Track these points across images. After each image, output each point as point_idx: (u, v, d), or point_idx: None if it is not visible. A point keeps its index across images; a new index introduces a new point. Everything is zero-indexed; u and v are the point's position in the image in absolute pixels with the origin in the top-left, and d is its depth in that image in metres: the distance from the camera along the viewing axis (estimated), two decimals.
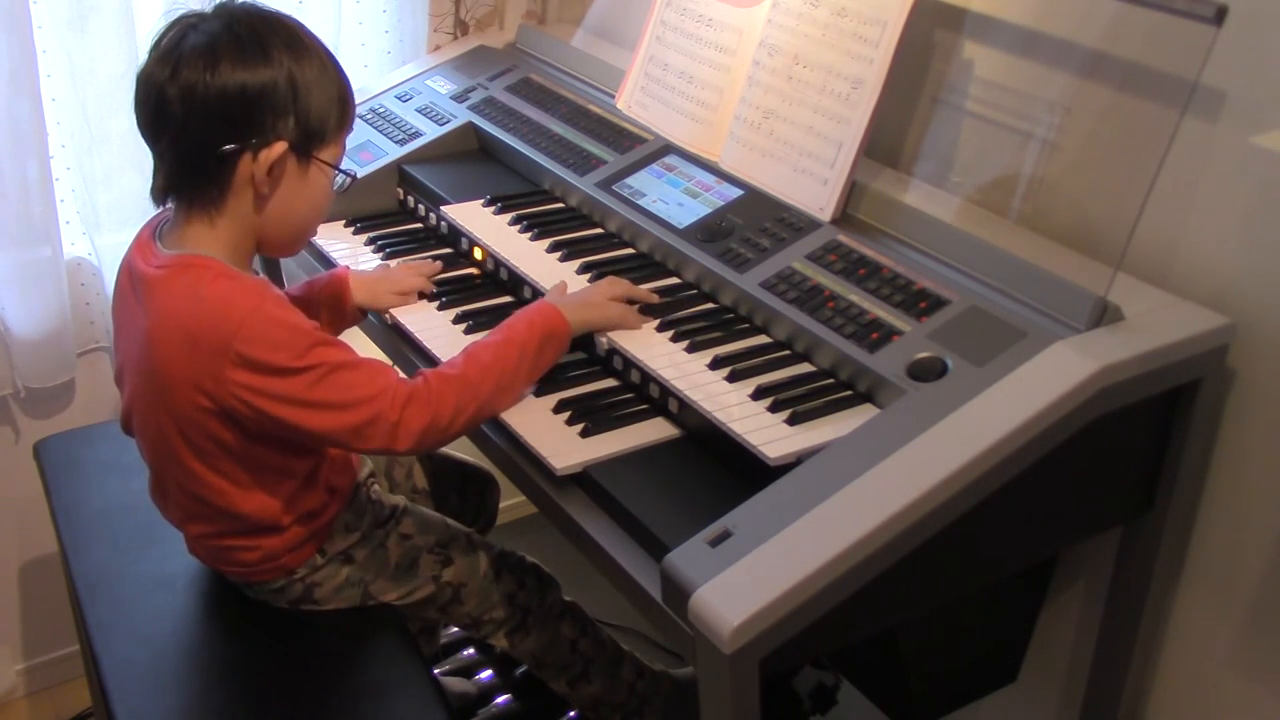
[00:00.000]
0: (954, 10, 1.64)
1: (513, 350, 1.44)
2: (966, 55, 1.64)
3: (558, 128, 1.93)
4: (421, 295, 1.70)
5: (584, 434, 1.40)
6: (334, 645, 1.54)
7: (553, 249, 1.71)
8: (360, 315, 1.71)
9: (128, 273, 1.45)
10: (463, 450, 1.84)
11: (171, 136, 1.36)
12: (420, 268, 1.74)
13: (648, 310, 1.55)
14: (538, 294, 1.64)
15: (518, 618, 1.70)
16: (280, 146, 1.37)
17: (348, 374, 1.36)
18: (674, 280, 1.65)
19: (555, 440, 1.40)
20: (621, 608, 1.59)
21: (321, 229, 1.85)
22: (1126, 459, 1.43)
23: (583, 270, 1.65)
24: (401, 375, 1.43)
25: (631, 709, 1.78)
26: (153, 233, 1.44)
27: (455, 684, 2.02)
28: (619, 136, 1.87)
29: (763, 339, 1.51)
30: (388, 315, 1.67)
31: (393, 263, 1.79)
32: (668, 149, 1.81)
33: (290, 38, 1.38)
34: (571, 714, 1.94)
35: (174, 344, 1.35)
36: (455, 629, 2.10)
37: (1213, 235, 1.42)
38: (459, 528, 1.68)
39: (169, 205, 1.43)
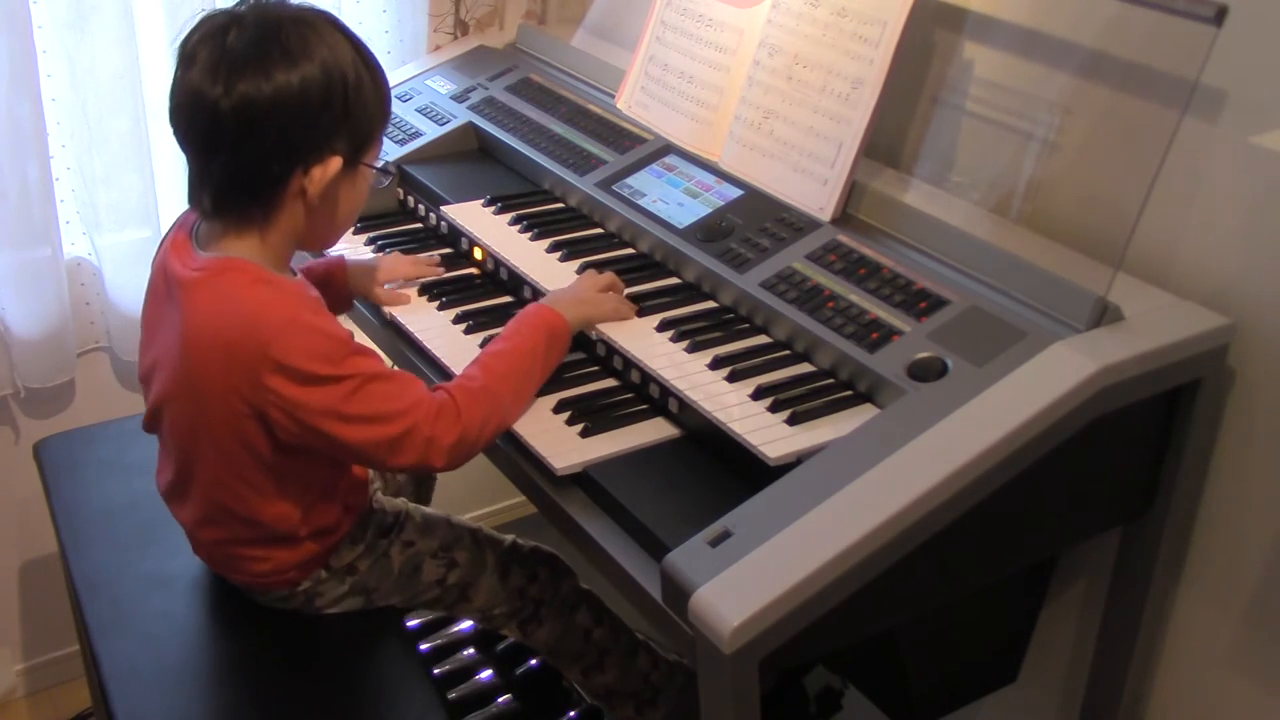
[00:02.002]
0: (954, 10, 1.64)
1: (523, 357, 1.44)
2: (966, 55, 1.64)
3: (558, 128, 1.93)
4: (422, 292, 1.70)
5: (584, 434, 1.40)
6: (334, 646, 1.54)
7: (553, 249, 1.71)
8: (350, 304, 1.71)
9: (163, 273, 1.43)
10: None
11: (225, 157, 1.33)
12: (419, 259, 1.74)
13: (647, 309, 1.56)
14: (538, 294, 1.64)
15: (530, 609, 1.69)
16: (335, 163, 1.36)
17: (382, 385, 1.35)
18: (674, 280, 1.65)
19: (555, 440, 1.40)
20: (622, 608, 1.59)
21: None
22: (1126, 459, 1.43)
23: (583, 270, 1.65)
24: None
25: (645, 699, 1.78)
26: (189, 233, 1.42)
27: None
28: (619, 136, 1.87)
29: (763, 339, 1.51)
30: (387, 313, 1.67)
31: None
32: (668, 149, 1.81)
33: (334, 40, 1.36)
34: (572, 714, 1.94)
35: (211, 349, 1.34)
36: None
37: (1213, 235, 1.42)
38: (464, 526, 1.68)
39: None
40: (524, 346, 1.45)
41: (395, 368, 1.44)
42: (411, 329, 1.63)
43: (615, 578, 1.28)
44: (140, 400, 1.52)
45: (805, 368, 1.45)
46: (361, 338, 1.71)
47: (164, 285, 1.43)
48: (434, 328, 1.63)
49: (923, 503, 1.18)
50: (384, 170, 1.49)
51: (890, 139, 1.72)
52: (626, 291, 1.59)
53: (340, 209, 1.43)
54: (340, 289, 1.68)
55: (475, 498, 2.58)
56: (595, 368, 1.55)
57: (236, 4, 1.37)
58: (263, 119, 1.31)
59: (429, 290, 1.71)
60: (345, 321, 1.78)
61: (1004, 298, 1.41)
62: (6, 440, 2.14)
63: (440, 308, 1.67)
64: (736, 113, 1.71)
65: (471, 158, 2.01)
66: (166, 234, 1.47)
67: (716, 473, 1.36)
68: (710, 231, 1.63)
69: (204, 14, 1.36)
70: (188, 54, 1.33)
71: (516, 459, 1.42)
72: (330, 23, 1.38)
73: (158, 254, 1.47)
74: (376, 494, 1.64)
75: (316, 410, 1.33)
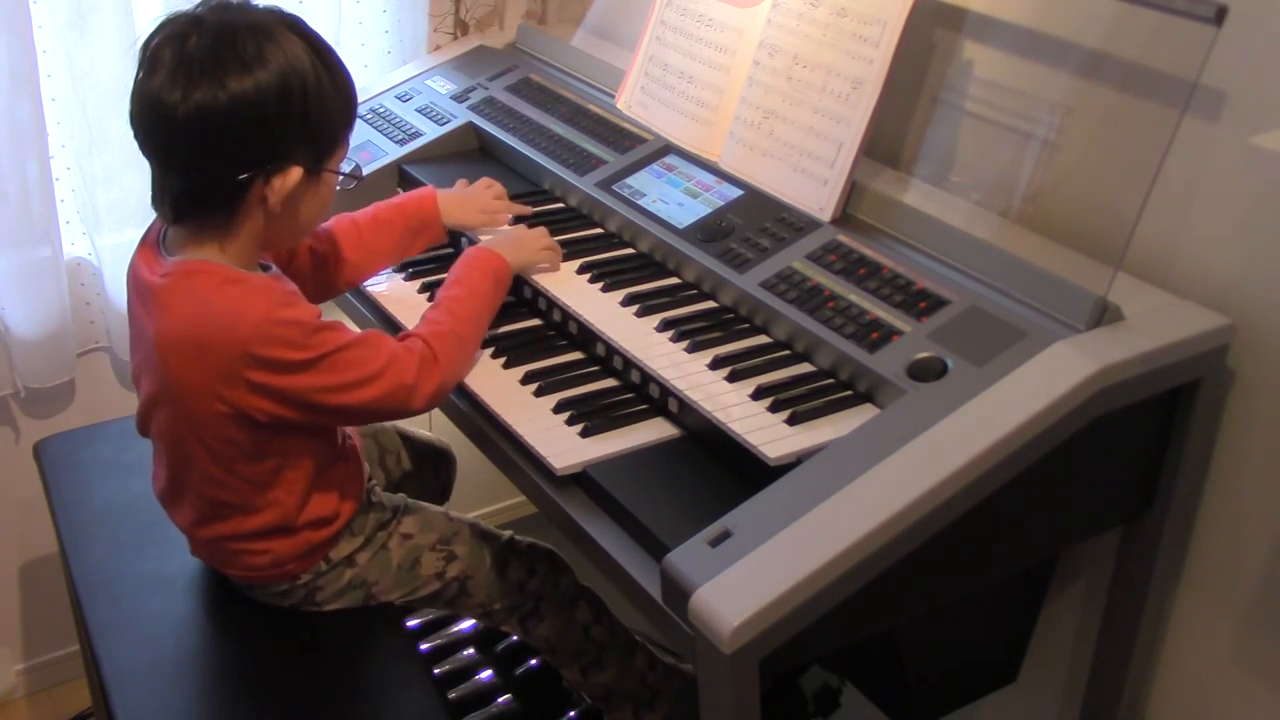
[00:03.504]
0: (954, 10, 1.64)
1: (479, 301, 1.53)
2: (966, 55, 1.64)
3: (558, 128, 1.93)
4: (421, 290, 1.70)
5: (584, 434, 1.40)
6: (334, 645, 1.54)
7: None
8: (445, 236, 1.75)
9: (134, 281, 1.44)
10: (420, 426, 1.96)
11: (184, 166, 1.34)
12: (504, 197, 1.79)
13: (647, 309, 1.56)
14: (538, 292, 1.64)
15: (530, 604, 1.70)
16: (296, 173, 1.37)
17: (356, 351, 1.39)
18: (674, 280, 1.65)
19: (555, 440, 1.40)
20: (622, 609, 1.59)
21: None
22: (1126, 459, 1.43)
23: (583, 270, 1.65)
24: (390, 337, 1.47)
25: (643, 700, 1.78)
26: (157, 238, 1.43)
27: None
28: (619, 136, 1.86)
29: (763, 339, 1.51)
30: (384, 308, 1.66)
31: (457, 185, 1.82)
32: (668, 149, 1.81)
33: (291, 46, 1.34)
34: (572, 714, 1.94)
35: (185, 353, 1.35)
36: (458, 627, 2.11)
37: (1213, 235, 1.42)
38: (463, 520, 1.68)
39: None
40: (479, 290, 1.53)
41: (358, 330, 1.46)
42: (407, 325, 1.63)
43: (615, 578, 1.28)
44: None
45: (805, 368, 1.45)
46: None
47: (135, 292, 1.44)
48: None
49: (923, 502, 1.18)
50: (350, 175, 1.49)
51: (890, 139, 1.72)
52: (627, 292, 1.60)
53: (302, 214, 1.44)
54: (433, 223, 1.72)
55: (475, 497, 2.57)
56: (595, 368, 1.55)
57: (197, 5, 1.35)
58: (220, 129, 1.30)
59: (426, 288, 1.71)
60: (341, 316, 1.79)
61: (1004, 298, 1.41)
62: (6, 440, 2.14)
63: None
64: (736, 113, 1.71)
65: (471, 158, 2.01)
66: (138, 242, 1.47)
67: (716, 473, 1.36)
68: (710, 231, 1.63)
69: (165, 16, 1.35)
70: (148, 58, 1.33)
71: (516, 459, 1.42)
72: (289, 27, 1.37)
73: (131, 262, 1.47)
74: (375, 488, 1.65)
75: (304, 390, 1.36)
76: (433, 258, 1.78)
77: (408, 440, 1.91)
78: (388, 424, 1.88)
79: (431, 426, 2.23)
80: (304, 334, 1.35)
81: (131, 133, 1.37)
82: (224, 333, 1.33)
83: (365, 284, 1.72)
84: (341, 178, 1.47)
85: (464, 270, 1.56)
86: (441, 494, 1.97)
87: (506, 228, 1.73)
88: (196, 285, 1.36)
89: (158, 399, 1.43)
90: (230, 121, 1.30)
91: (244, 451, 1.41)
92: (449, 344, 1.46)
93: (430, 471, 1.94)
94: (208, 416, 1.37)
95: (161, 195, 1.37)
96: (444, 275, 1.64)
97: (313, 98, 1.35)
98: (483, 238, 1.71)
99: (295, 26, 1.38)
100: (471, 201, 1.75)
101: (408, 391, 1.41)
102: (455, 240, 1.79)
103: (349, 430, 1.58)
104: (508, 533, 1.72)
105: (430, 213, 1.71)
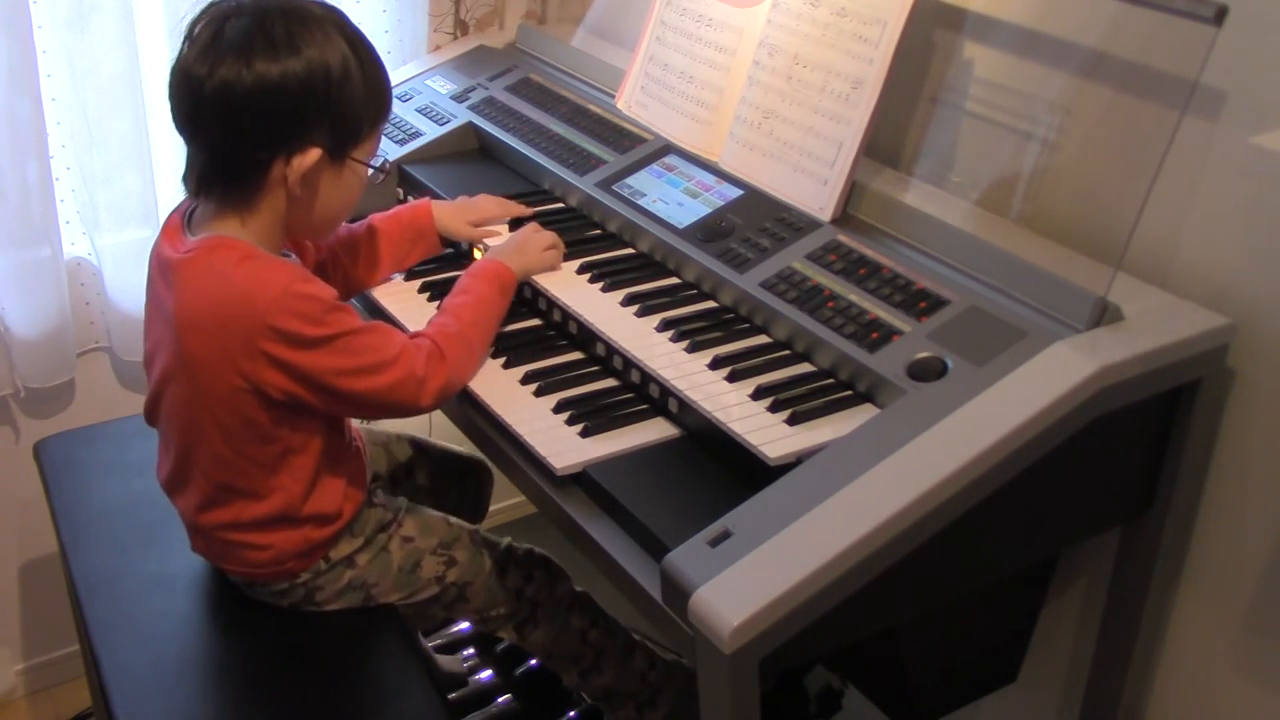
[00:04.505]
0: (954, 10, 1.64)
1: (485, 308, 1.54)
2: (966, 55, 1.64)
3: (558, 128, 1.93)
4: (421, 290, 1.70)
5: (584, 434, 1.40)
6: (334, 645, 1.54)
7: None
8: (440, 245, 1.75)
9: (157, 259, 1.47)
10: (452, 440, 1.92)
11: (207, 137, 1.38)
12: (505, 200, 1.79)
13: (647, 309, 1.56)
14: (537, 292, 1.64)
15: (526, 611, 1.70)
16: (314, 154, 1.39)
17: (368, 337, 1.40)
18: (674, 280, 1.65)
19: (555, 440, 1.40)
20: (622, 608, 1.59)
21: None
22: (1126, 459, 1.43)
23: (582, 270, 1.65)
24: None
25: (644, 699, 1.78)
26: (182, 219, 1.45)
27: (444, 661, 2.03)
28: (619, 136, 1.86)
29: (763, 339, 1.51)
30: (382, 307, 1.67)
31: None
32: (668, 149, 1.81)
33: (325, 35, 1.37)
34: (572, 714, 1.95)
35: (205, 326, 1.37)
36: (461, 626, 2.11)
37: (1213, 235, 1.42)
38: (462, 525, 1.68)
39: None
40: (485, 297, 1.55)
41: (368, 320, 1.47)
42: (409, 327, 1.63)
43: (615, 578, 1.28)
44: (139, 401, 1.52)
45: (805, 368, 1.45)
46: None
47: (158, 270, 1.46)
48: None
49: (922, 503, 1.18)
50: (379, 168, 1.50)
51: (890, 139, 1.72)
52: (627, 292, 1.60)
53: (322, 201, 1.45)
54: (429, 233, 1.73)
55: None
56: (595, 368, 1.55)
57: None
58: (241, 106, 1.34)
59: (427, 288, 1.71)
60: None
61: (1004, 298, 1.41)
62: (6, 440, 2.14)
63: (432, 301, 1.67)
64: (736, 113, 1.71)
65: (471, 158, 2.01)
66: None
67: (716, 473, 1.36)
68: (710, 231, 1.63)
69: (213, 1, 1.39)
70: (189, 34, 1.37)
71: (516, 459, 1.42)
72: (327, 18, 1.39)
73: (155, 243, 1.49)
74: (377, 490, 1.65)
75: (318, 370, 1.38)
76: (433, 258, 1.77)
77: (425, 452, 1.89)
78: (403, 434, 1.87)
79: (431, 429, 2.22)
80: (321, 310, 1.37)
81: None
82: (244, 305, 1.35)
83: None
84: (370, 171, 1.49)
85: (469, 280, 1.57)
86: (471, 510, 1.95)
87: (507, 234, 1.72)
88: (216, 260, 1.38)
89: (172, 376, 1.44)
90: (250, 101, 1.34)
91: (257, 431, 1.42)
92: (456, 344, 1.47)
93: (453, 486, 1.92)
94: (224, 391, 1.38)
95: (190, 168, 1.41)
96: (445, 275, 1.64)
97: (337, 88, 1.38)
98: (487, 241, 1.71)
99: (332, 17, 1.41)
100: (467, 210, 1.75)
101: (418, 383, 1.42)
102: (454, 247, 1.79)
103: (354, 431, 1.58)
104: (505, 540, 1.72)
105: (425, 223, 1.72)
